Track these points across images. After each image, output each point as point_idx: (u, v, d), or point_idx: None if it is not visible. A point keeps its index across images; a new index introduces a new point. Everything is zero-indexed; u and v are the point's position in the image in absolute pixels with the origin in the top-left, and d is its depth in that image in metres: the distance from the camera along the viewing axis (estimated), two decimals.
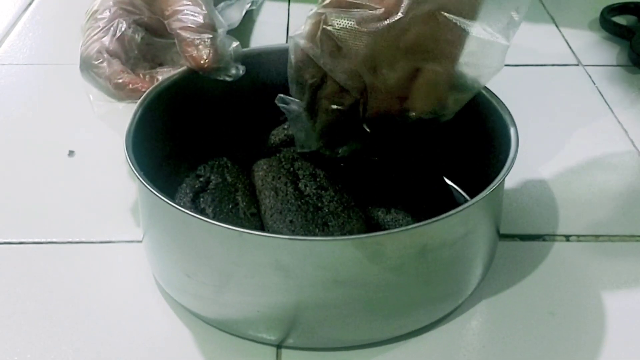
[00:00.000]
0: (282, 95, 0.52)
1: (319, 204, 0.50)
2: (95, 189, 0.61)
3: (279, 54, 0.58)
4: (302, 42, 0.49)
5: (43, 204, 0.59)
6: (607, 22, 0.84)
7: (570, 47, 0.81)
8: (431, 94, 0.48)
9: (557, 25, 0.86)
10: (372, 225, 0.51)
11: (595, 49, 0.81)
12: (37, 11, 0.89)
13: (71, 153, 0.65)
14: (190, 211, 0.44)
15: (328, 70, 0.48)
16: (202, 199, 0.52)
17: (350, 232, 0.49)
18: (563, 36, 0.83)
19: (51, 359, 0.47)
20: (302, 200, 0.50)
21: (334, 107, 0.50)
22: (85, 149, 0.66)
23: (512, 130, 0.50)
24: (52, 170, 0.63)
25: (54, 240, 0.56)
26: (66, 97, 0.73)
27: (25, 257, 0.55)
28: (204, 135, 0.58)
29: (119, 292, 0.52)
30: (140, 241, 0.54)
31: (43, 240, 0.56)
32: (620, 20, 0.85)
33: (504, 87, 0.54)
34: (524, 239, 0.56)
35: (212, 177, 0.53)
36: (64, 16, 0.88)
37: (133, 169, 0.47)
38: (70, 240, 0.56)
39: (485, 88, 0.53)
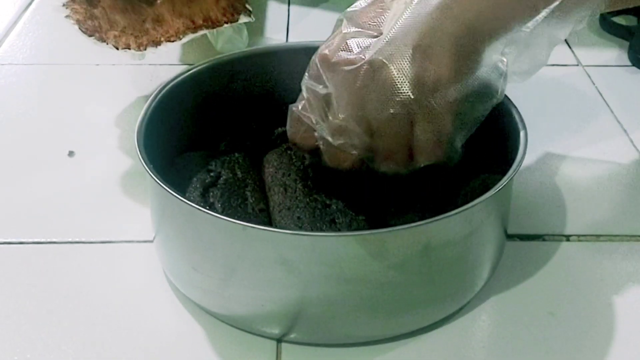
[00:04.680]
0: None
1: (328, 201, 0.50)
2: (95, 189, 0.61)
3: (290, 53, 0.59)
4: (297, 109, 0.49)
5: (43, 204, 0.59)
6: (607, 22, 0.84)
7: (570, 47, 0.81)
8: (435, 146, 0.47)
9: None
10: (379, 224, 0.51)
11: (595, 49, 0.81)
12: (37, 11, 0.89)
13: (71, 153, 0.65)
14: (198, 205, 0.45)
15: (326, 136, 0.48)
16: (211, 194, 0.52)
17: (357, 230, 0.49)
18: None
19: (51, 359, 0.47)
20: (311, 197, 0.51)
21: (342, 163, 0.49)
22: (85, 149, 0.66)
23: (522, 133, 0.50)
24: (52, 170, 0.63)
25: (54, 240, 0.56)
26: (66, 97, 0.73)
27: (25, 257, 0.55)
28: (217, 131, 0.58)
29: (120, 291, 0.52)
30: (141, 241, 0.54)
31: (43, 240, 0.56)
32: (620, 20, 0.85)
33: None
34: (523, 239, 0.56)
35: (223, 172, 0.54)
36: (60, 12, 0.88)
37: (143, 162, 0.47)
38: (70, 240, 0.56)
39: None
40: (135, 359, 0.47)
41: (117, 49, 0.63)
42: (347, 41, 0.46)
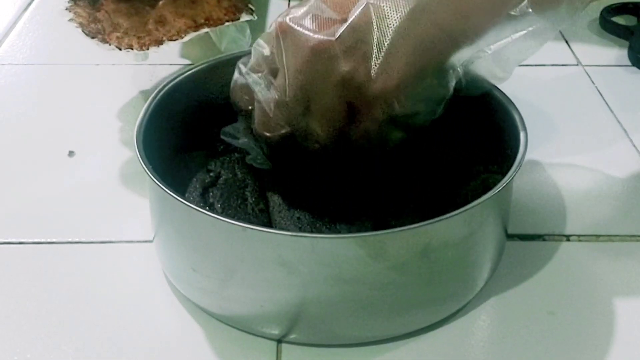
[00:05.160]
0: (226, 129, 0.52)
1: (328, 202, 0.51)
2: (95, 189, 0.61)
3: None
4: (243, 68, 0.49)
5: (43, 204, 0.59)
6: (606, 22, 0.84)
7: (569, 47, 0.81)
8: (369, 136, 0.47)
9: None
10: (379, 225, 0.51)
11: (594, 49, 0.81)
12: (37, 11, 0.89)
13: (71, 153, 0.65)
14: (198, 206, 0.45)
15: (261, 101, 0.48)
16: (211, 194, 0.52)
17: (358, 231, 0.49)
18: (563, 36, 0.83)
19: (51, 359, 0.47)
20: (311, 198, 0.51)
21: (268, 134, 0.49)
22: (85, 149, 0.66)
23: (522, 133, 0.50)
24: (52, 170, 0.63)
25: (54, 240, 0.56)
26: (66, 97, 0.73)
27: (25, 257, 0.55)
28: (217, 131, 0.58)
29: (120, 291, 0.52)
30: (140, 241, 0.54)
31: (43, 240, 0.56)
32: (620, 20, 0.85)
33: (503, 87, 0.54)
34: (523, 239, 0.56)
35: (223, 173, 0.54)
36: (64, 16, 0.88)
37: (142, 163, 0.47)
38: (70, 240, 0.56)
39: (497, 88, 0.53)
40: (135, 359, 0.47)
41: (120, 49, 0.64)
42: (309, 15, 0.45)
